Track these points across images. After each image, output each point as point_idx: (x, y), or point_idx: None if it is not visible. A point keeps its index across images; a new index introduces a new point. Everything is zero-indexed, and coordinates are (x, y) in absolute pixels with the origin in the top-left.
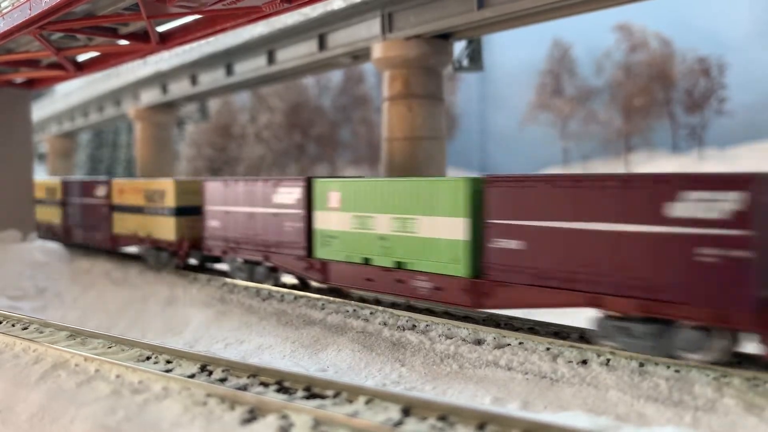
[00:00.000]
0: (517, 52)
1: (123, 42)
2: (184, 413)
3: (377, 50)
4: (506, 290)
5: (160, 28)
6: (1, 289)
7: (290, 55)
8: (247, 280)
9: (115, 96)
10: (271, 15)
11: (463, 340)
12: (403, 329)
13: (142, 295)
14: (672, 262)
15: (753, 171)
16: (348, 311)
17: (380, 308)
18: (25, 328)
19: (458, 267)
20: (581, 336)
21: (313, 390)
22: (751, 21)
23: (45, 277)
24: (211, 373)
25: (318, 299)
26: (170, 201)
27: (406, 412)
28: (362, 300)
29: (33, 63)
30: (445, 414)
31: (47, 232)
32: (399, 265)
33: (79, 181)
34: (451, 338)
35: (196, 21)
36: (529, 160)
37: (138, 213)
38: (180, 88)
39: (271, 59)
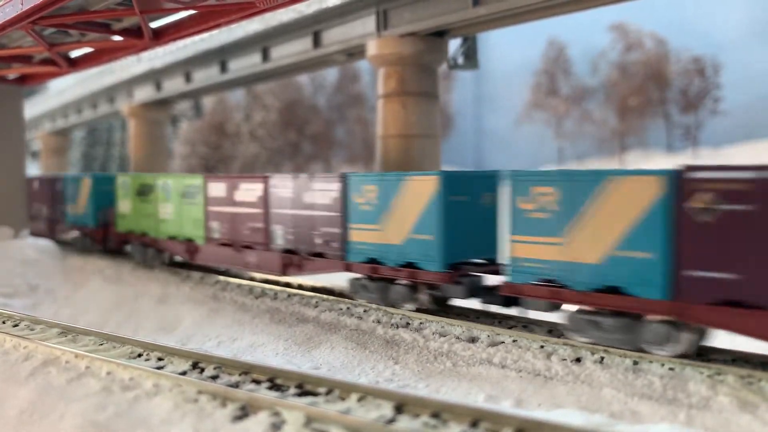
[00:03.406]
0: (512, 51)
1: (116, 38)
2: (175, 410)
3: (372, 47)
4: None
5: (154, 24)
6: None
7: (285, 53)
8: None
9: (109, 93)
10: (265, 11)
11: (457, 337)
12: (397, 327)
13: (134, 293)
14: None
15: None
16: (341, 309)
17: (374, 306)
18: (16, 325)
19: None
20: None
21: (305, 387)
22: (746, 21)
23: (37, 274)
24: (202, 370)
25: (311, 297)
26: None
27: (399, 409)
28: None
29: (25, 59)
30: (438, 411)
31: None
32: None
33: None
34: (445, 336)
35: (189, 17)
36: (525, 159)
37: None
38: (174, 85)
39: (265, 56)
